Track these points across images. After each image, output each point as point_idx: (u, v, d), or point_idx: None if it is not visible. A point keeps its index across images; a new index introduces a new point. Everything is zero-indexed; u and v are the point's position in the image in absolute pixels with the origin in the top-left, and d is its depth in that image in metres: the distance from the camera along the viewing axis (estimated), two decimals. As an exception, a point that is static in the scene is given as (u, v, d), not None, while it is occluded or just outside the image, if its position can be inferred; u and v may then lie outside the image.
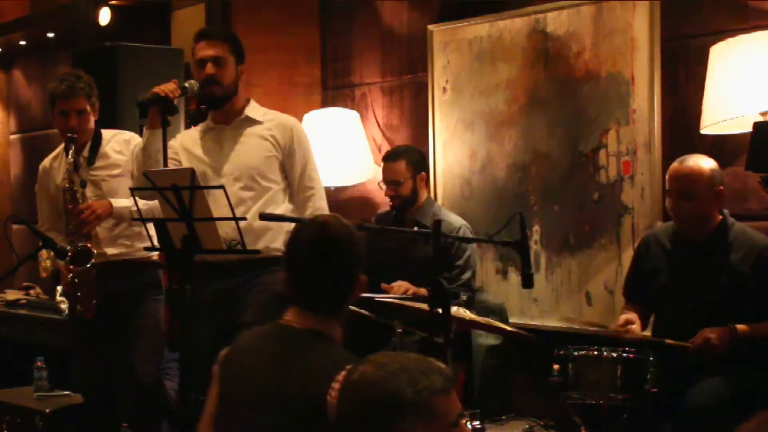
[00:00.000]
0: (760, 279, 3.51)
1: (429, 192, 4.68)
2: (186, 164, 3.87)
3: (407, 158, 4.52)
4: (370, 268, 4.53)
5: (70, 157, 4.05)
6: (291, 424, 2.33)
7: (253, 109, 3.93)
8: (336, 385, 2.22)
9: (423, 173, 4.55)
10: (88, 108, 4.15)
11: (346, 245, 2.48)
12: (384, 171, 4.56)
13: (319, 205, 3.92)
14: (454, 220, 4.48)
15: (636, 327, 3.63)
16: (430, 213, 4.46)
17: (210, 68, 3.80)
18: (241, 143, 3.86)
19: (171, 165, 3.77)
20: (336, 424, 1.89)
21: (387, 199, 4.63)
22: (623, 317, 3.68)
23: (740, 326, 3.45)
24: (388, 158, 4.56)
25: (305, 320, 2.45)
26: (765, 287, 3.50)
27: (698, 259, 3.63)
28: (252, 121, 3.89)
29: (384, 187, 4.56)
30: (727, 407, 3.33)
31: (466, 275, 4.36)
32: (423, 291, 4.24)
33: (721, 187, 3.58)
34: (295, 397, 2.33)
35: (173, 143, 3.94)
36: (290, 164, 3.90)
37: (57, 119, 4.16)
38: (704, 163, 3.60)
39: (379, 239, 4.62)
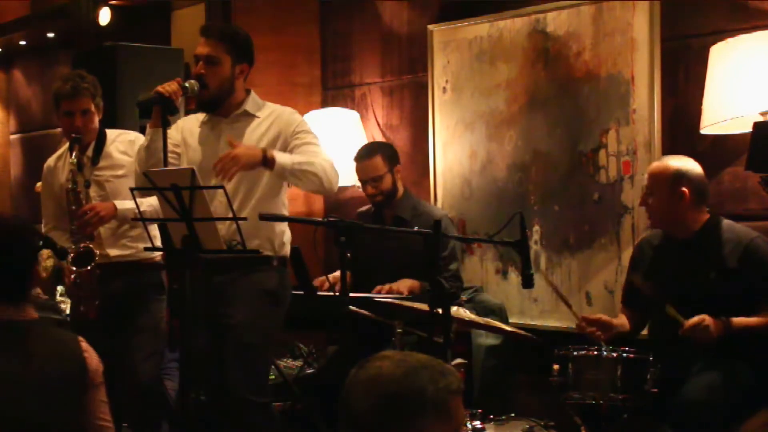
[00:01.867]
0: (748, 272, 3.52)
1: (403, 185, 4.64)
2: (184, 154, 3.86)
3: (382, 153, 4.51)
4: (358, 265, 4.58)
5: (73, 157, 4.05)
6: (56, 399, 2.58)
7: (252, 103, 3.85)
8: (87, 354, 2.68)
9: (398, 166, 4.55)
10: (93, 108, 4.14)
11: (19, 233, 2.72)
12: (360, 171, 4.53)
13: (322, 158, 3.72)
14: (435, 211, 4.50)
15: (600, 334, 3.64)
16: (409, 206, 4.48)
17: (200, 67, 3.74)
18: (236, 138, 3.79)
19: (170, 157, 3.75)
20: (348, 418, 1.88)
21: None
22: (594, 316, 3.72)
23: (733, 319, 3.46)
24: (363, 157, 4.53)
25: (16, 313, 2.64)
26: (752, 281, 3.51)
27: (687, 257, 3.64)
28: (249, 116, 3.82)
29: (361, 187, 4.54)
30: (721, 402, 3.34)
31: (453, 266, 4.36)
32: (409, 285, 4.25)
33: (685, 189, 3.58)
34: (57, 378, 2.60)
35: (173, 132, 3.88)
36: (292, 142, 3.77)
37: (61, 119, 4.16)
38: (675, 163, 3.63)
39: (366, 236, 4.62)
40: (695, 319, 3.43)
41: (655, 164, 3.71)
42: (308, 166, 3.65)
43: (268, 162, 3.59)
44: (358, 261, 4.60)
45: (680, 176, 3.59)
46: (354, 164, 4.60)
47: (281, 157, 3.62)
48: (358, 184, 5.28)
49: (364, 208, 4.78)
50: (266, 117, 3.83)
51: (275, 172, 3.64)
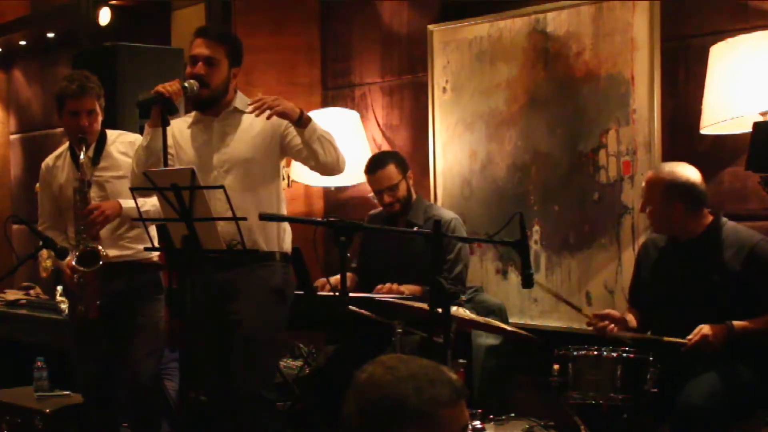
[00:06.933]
0: (752, 276, 3.52)
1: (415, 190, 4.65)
2: (176, 156, 3.86)
3: (394, 161, 4.52)
4: (366, 268, 4.60)
5: (82, 157, 4.04)
6: None
7: (241, 100, 3.87)
8: None
9: (409, 172, 4.56)
10: (98, 108, 4.14)
11: None
12: (374, 182, 4.51)
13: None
14: (445, 213, 4.50)
15: (613, 327, 3.64)
16: (421, 210, 4.49)
17: (200, 68, 3.75)
18: (230, 134, 3.82)
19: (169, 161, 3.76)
20: (341, 419, 1.89)
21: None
22: (604, 311, 3.72)
23: (737, 322, 3.46)
24: (376, 167, 4.50)
25: None
26: (756, 284, 3.51)
27: (691, 260, 3.64)
28: (239, 113, 3.85)
29: (375, 199, 4.53)
30: (722, 405, 3.34)
31: (458, 268, 4.36)
32: (411, 289, 4.26)
33: (678, 202, 3.57)
34: None
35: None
36: (289, 135, 3.80)
37: (66, 119, 4.14)
38: (666, 174, 3.61)
39: (374, 239, 4.62)
40: (696, 336, 3.44)
41: (649, 174, 3.70)
42: (330, 137, 3.75)
43: (302, 119, 3.67)
44: (365, 263, 4.64)
45: (671, 189, 3.57)
46: (365, 175, 4.58)
47: (315, 121, 3.72)
48: (358, 183, 5.30)
49: (375, 211, 4.76)
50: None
51: (306, 133, 3.69)
